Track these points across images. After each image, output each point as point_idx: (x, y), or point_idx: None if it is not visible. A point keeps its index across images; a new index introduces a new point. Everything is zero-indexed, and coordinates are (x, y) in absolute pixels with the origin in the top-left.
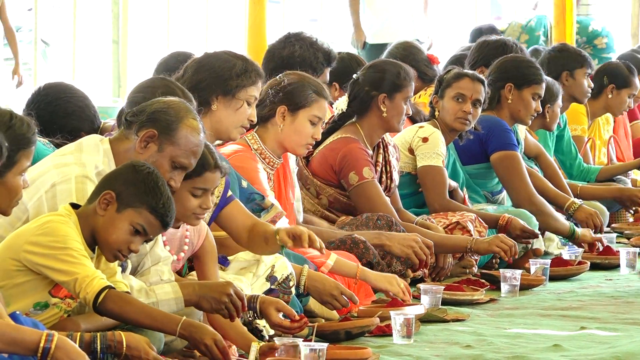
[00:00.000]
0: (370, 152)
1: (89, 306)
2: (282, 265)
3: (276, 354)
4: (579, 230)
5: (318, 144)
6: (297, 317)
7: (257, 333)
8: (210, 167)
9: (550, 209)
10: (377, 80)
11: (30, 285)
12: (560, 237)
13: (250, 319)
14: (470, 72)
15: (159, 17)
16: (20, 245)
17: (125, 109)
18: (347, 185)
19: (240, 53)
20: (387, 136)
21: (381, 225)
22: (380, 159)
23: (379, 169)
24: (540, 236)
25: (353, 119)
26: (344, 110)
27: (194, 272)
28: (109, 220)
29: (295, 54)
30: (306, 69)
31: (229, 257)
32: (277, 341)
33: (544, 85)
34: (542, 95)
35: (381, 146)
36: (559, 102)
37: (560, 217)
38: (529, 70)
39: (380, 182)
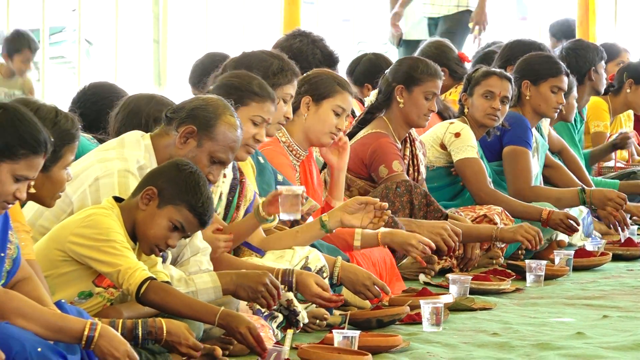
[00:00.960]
0: (399, 146)
1: (132, 297)
2: (315, 257)
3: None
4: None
5: (350, 139)
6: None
7: (293, 319)
8: None
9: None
10: (396, 71)
11: (75, 275)
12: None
13: (285, 304)
14: (498, 70)
15: (198, 17)
16: (65, 236)
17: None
18: (377, 178)
19: (276, 52)
20: (413, 131)
21: (401, 193)
22: (408, 152)
23: (406, 162)
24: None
25: (382, 114)
26: (372, 101)
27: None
28: (149, 215)
29: (294, 47)
30: (301, 62)
31: None
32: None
33: (562, 77)
34: (564, 87)
35: (408, 140)
36: (574, 93)
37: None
38: (542, 65)
39: (407, 174)
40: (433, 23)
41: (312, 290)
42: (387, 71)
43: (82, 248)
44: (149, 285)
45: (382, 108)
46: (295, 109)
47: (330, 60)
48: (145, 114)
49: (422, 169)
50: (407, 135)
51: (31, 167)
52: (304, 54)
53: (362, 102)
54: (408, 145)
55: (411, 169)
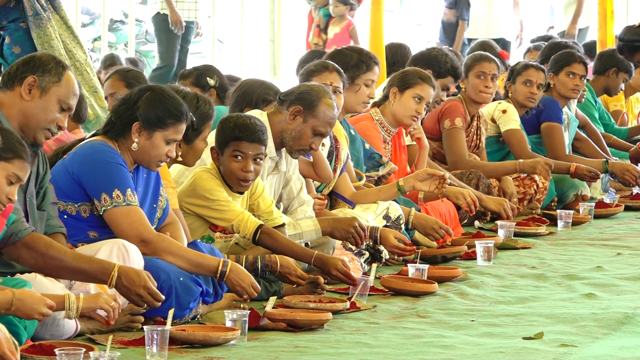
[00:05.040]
0: (468, 117)
1: (249, 241)
2: (394, 208)
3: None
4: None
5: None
6: (408, 244)
7: (377, 255)
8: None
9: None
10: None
11: (194, 225)
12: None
13: (371, 244)
14: (534, 63)
15: (304, 21)
16: (182, 199)
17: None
18: (441, 128)
19: (359, 47)
20: (481, 111)
21: (471, 177)
22: (475, 123)
23: (472, 130)
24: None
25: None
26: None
27: None
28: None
29: (432, 54)
30: (433, 67)
31: None
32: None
33: (575, 65)
34: (578, 72)
35: (476, 117)
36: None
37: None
38: (559, 57)
39: (470, 142)
40: None
41: (391, 242)
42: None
43: (197, 208)
44: (261, 231)
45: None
46: (387, 96)
47: (455, 72)
48: (255, 95)
49: (483, 140)
50: (476, 112)
51: (178, 132)
52: (438, 61)
53: (447, 88)
54: (475, 119)
55: (475, 137)
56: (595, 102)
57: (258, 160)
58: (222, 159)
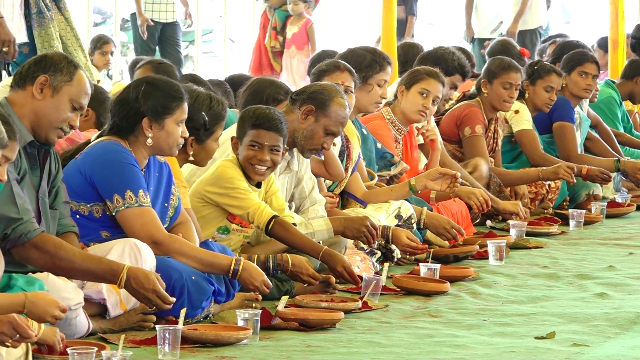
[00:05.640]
0: (486, 122)
1: (262, 231)
2: (406, 207)
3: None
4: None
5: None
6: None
7: (389, 255)
8: None
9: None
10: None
11: (212, 215)
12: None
13: (383, 244)
14: (558, 69)
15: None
16: (202, 188)
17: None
18: (462, 136)
19: (372, 47)
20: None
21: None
22: (492, 127)
23: (490, 135)
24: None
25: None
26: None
27: None
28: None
29: (438, 53)
30: (441, 65)
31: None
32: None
33: (587, 64)
34: (590, 71)
35: (493, 120)
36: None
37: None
38: (571, 56)
39: (488, 144)
40: None
41: (403, 241)
42: (484, 68)
43: (216, 196)
44: (274, 222)
45: (475, 96)
46: (396, 94)
47: (463, 70)
48: (266, 94)
49: (499, 142)
50: (494, 115)
51: (184, 111)
52: (445, 60)
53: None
54: (493, 123)
55: (492, 140)
56: (620, 103)
57: (275, 151)
58: (241, 148)
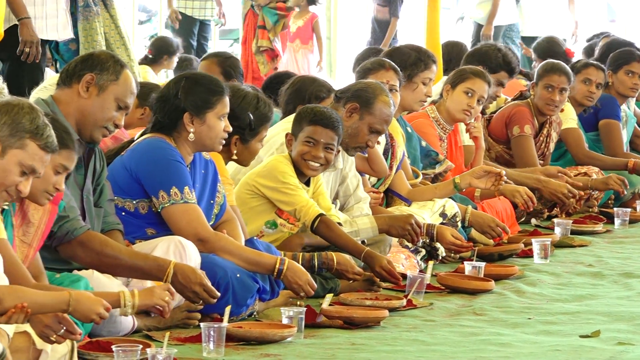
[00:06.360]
0: (536, 122)
1: (308, 228)
2: (450, 205)
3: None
4: None
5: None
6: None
7: (434, 253)
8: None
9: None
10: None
11: (261, 208)
12: None
13: (428, 242)
14: (595, 62)
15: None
16: (253, 179)
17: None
18: (510, 135)
19: (417, 45)
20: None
21: None
22: (545, 131)
23: (542, 139)
24: None
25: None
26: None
27: None
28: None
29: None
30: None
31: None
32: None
33: (634, 63)
34: (639, 71)
35: (547, 123)
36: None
37: None
38: (617, 55)
39: (538, 148)
40: None
41: (448, 239)
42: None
43: (266, 189)
44: (320, 220)
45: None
46: (442, 93)
47: (509, 67)
48: (308, 92)
49: (551, 147)
50: (547, 119)
51: (225, 105)
52: (489, 57)
53: (502, 84)
54: (546, 126)
55: (543, 144)
56: None
57: (329, 149)
58: (295, 144)
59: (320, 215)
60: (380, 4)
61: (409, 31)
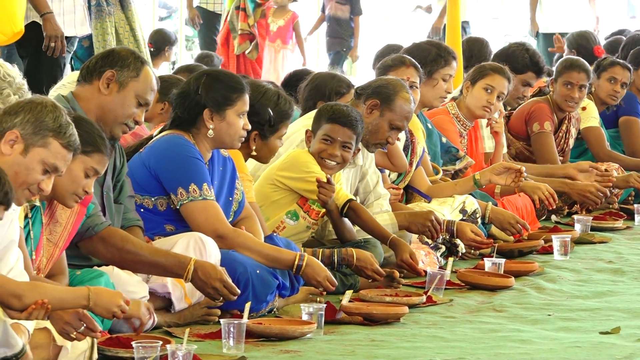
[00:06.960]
0: (555, 119)
1: (337, 212)
2: (470, 202)
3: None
4: None
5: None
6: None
7: (454, 249)
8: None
9: None
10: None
11: (283, 200)
12: None
13: (448, 238)
14: (621, 61)
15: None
16: (274, 172)
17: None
18: (530, 132)
19: (437, 41)
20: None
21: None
22: (564, 127)
23: (561, 135)
24: None
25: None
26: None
27: None
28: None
29: (510, 50)
30: (512, 62)
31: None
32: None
33: None
34: None
35: (566, 120)
36: None
37: None
38: (636, 52)
39: (558, 145)
40: None
41: (468, 235)
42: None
43: (290, 180)
44: (349, 206)
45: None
46: (462, 90)
47: (536, 67)
48: (328, 88)
49: (570, 143)
50: (567, 114)
51: (245, 103)
52: (515, 57)
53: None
54: (565, 122)
55: (562, 140)
56: None
57: (346, 147)
58: (313, 142)
59: (350, 200)
60: (339, 1)
61: (369, 28)
